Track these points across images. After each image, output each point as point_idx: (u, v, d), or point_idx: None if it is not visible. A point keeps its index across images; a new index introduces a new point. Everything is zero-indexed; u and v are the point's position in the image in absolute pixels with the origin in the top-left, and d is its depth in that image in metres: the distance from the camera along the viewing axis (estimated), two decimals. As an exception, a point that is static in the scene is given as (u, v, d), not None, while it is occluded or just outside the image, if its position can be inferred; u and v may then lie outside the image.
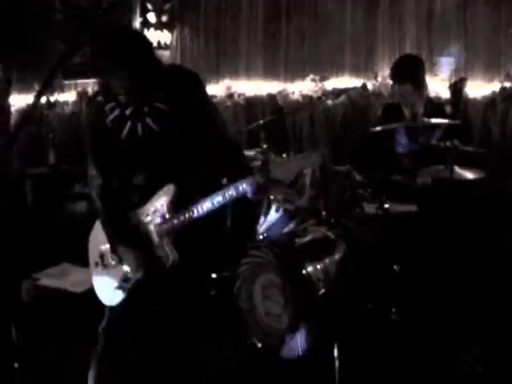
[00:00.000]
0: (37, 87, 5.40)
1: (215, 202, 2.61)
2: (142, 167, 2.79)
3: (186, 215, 2.68)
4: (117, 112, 2.72)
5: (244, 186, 2.52)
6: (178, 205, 2.73)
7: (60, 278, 3.84)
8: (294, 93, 6.49)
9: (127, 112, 2.70)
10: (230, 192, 2.56)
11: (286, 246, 3.92)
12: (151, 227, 2.78)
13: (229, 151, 2.83)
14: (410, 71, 4.48)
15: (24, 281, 3.88)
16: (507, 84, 4.85)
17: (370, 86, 6.67)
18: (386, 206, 3.91)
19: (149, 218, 2.79)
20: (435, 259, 3.96)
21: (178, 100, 2.69)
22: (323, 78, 6.47)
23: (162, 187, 2.75)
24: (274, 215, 4.41)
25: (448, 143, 3.63)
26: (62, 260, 4.11)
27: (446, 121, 4.09)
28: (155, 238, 2.77)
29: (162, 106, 2.68)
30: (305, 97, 6.46)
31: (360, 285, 3.83)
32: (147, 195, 2.78)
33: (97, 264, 2.97)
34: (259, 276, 3.82)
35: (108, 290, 2.89)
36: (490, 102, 4.98)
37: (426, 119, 4.12)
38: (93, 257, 3.00)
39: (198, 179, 2.81)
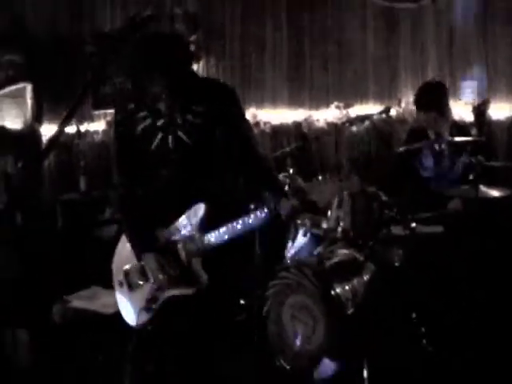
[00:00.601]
0: (68, 117, 5.51)
1: (246, 225, 2.55)
2: (170, 180, 2.73)
3: (217, 237, 2.62)
4: (148, 121, 2.68)
5: (277, 209, 2.48)
6: (209, 224, 2.66)
7: (90, 300, 3.86)
8: (318, 120, 6.56)
9: (159, 123, 2.66)
10: (262, 215, 2.51)
11: (314, 267, 3.93)
12: (180, 246, 2.71)
13: (263, 171, 2.77)
14: (434, 98, 4.52)
15: (55, 303, 3.92)
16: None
17: (393, 113, 6.73)
18: (413, 225, 3.90)
19: (177, 237, 2.73)
20: (464, 281, 3.93)
21: (213, 114, 2.63)
22: (347, 105, 6.53)
23: (191, 203, 2.68)
24: (301, 240, 4.42)
25: (473, 159, 3.64)
26: (92, 283, 4.14)
27: (469, 138, 4.10)
28: (183, 257, 2.70)
29: (196, 120, 2.63)
30: (330, 124, 6.51)
31: (389, 305, 3.82)
32: (175, 209, 2.71)
33: (121, 284, 2.92)
34: (288, 297, 3.82)
35: (133, 311, 2.84)
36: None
37: (450, 137, 4.15)
38: (117, 276, 2.95)
39: (229, 198, 2.75)
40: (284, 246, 4.47)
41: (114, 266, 3.01)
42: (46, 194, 5.22)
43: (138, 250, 2.76)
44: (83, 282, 4.14)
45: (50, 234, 4.71)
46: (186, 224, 2.71)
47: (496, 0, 5.48)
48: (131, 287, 2.89)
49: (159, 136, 2.67)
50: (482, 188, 3.79)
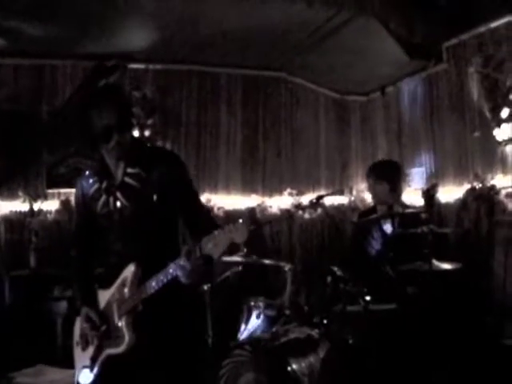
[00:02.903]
0: (21, 194, 5.50)
1: (159, 281, 2.55)
2: (117, 237, 2.82)
3: (138, 294, 2.64)
4: (96, 186, 2.83)
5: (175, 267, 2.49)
6: (139, 282, 2.68)
7: (36, 377, 3.71)
8: (271, 207, 6.66)
9: (103, 185, 2.80)
10: (171, 271, 2.50)
11: (269, 343, 3.88)
12: (114, 307, 2.74)
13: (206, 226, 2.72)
14: (387, 171, 4.67)
15: (-1, 380, 3.75)
16: (476, 184, 5.04)
17: (345, 200, 6.92)
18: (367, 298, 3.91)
19: (113, 298, 2.76)
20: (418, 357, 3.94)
21: (152, 178, 2.73)
22: (300, 193, 6.67)
23: (135, 257, 2.72)
24: (255, 322, 4.37)
25: (425, 228, 3.72)
26: (38, 361, 3.99)
27: (418, 207, 4.20)
28: (115, 318, 2.72)
29: (132, 182, 2.75)
30: (283, 211, 6.62)
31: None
32: (126, 262, 2.74)
33: (77, 344, 2.94)
34: (242, 375, 3.74)
35: (82, 370, 2.85)
36: (462, 203, 5.15)
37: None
38: (75, 336, 2.97)
39: (164, 258, 2.66)
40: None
41: (75, 326, 3.00)
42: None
43: (79, 304, 2.88)
44: (29, 360, 3.98)
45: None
46: (119, 284, 2.74)
47: (440, 89, 5.77)
48: (83, 347, 2.89)
49: (103, 197, 2.81)
50: (435, 262, 3.86)
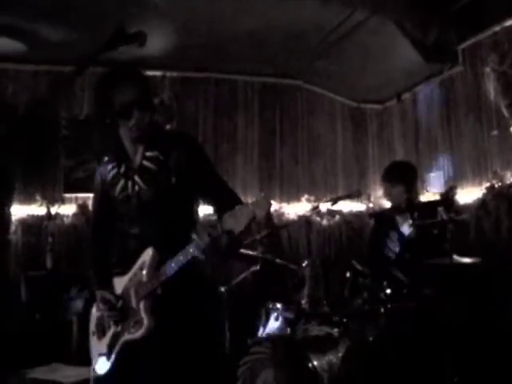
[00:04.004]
0: (38, 198, 5.54)
1: (179, 262, 2.52)
2: (135, 221, 2.79)
3: (157, 276, 2.61)
4: (115, 171, 2.82)
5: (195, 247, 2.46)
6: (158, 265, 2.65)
7: (50, 372, 3.71)
8: (289, 214, 6.64)
9: (121, 169, 2.80)
10: (191, 250, 2.47)
11: (288, 340, 3.83)
12: (132, 291, 2.70)
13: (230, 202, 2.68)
14: (402, 174, 4.61)
15: (10, 376, 3.72)
16: (495, 182, 4.97)
17: (363, 207, 6.89)
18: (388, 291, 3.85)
19: (131, 282, 2.73)
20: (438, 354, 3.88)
21: (171, 161, 2.72)
22: (318, 199, 6.64)
23: (153, 241, 2.70)
24: (273, 325, 4.32)
25: (444, 216, 3.67)
26: (53, 360, 3.98)
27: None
28: (133, 302, 2.68)
29: (151, 165, 2.73)
30: (300, 217, 6.59)
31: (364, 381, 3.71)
32: (144, 246, 2.71)
33: (93, 333, 2.91)
34: (261, 373, 3.69)
35: (98, 358, 2.82)
36: (481, 202, 5.08)
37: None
38: (91, 327, 2.94)
39: (182, 242, 2.64)
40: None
41: (92, 317, 2.97)
42: (12, 271, 5.11)
43: (94, 288, 2.87)
44: (44, 359, 3.97)
45: (12, 308, 4.56)
46: (136, 269, 2.71)
47: (456, 92, 5.75)
48: (99, 336, 2.87)
49: (122, 182, 2.80)
50: (455, 257, 3.81)
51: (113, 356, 2.75)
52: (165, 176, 2.71)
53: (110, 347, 2.76)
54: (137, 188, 2.75)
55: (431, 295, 4.15)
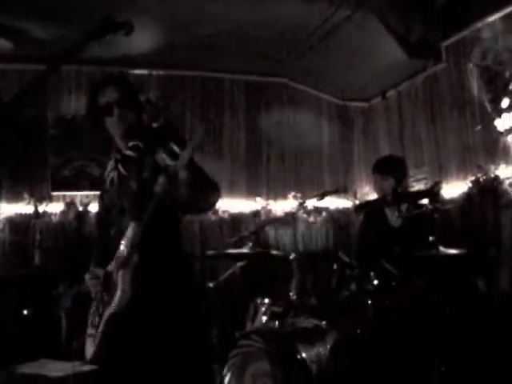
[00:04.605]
0: (26, 196, 5.54)
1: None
2: (125, 207, 2.90)
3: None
4: (111, 164, 3.00)
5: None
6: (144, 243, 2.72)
7: (38, 367, 3.72)
8: (276, 210, 6.68)
9: (113, 164, 2.98)
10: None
11: (276, 333, 3.86)
12: (113, 265, 2.76)
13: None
14: (393, 167, 4.67)
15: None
16: (480, 176, 5.04)
17: (350, 204, 6.94)
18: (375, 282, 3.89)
19: (117, 259, 2.77)
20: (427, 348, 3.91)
21: (151, 148, 2.79)
22: (305, 196, 6.67)
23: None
24: (261, 319, 4.35)
25: (430, 206, 3.72)
26: (41, 356, 3.98)
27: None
28: (114, 275, 2.74)
29: (131, 153, 2.87)
30: (287, 214, 6.62)
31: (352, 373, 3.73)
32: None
33: (89, 336, 2.89)
34: (250, 366, 3.71)
35: (87, 341, 2.86)
36: (467, 196, 5.15)
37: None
38: (88, 330, 2.93)
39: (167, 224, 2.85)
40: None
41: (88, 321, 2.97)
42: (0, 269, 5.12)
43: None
44: (33, 355, 3.97)
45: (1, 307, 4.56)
46: (122, 244, 2.76)
47: (440, 88, 5.81)
48: (93, 334, 2.86)
49: (112, 174, 2.97)
50: (441, 248, 3.86)
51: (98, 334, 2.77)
52: (145, 163, 2.81)
53: (97, 327, 2.79)
54: (120, 176, 2.90)
55: (421, 287, 4.20)
